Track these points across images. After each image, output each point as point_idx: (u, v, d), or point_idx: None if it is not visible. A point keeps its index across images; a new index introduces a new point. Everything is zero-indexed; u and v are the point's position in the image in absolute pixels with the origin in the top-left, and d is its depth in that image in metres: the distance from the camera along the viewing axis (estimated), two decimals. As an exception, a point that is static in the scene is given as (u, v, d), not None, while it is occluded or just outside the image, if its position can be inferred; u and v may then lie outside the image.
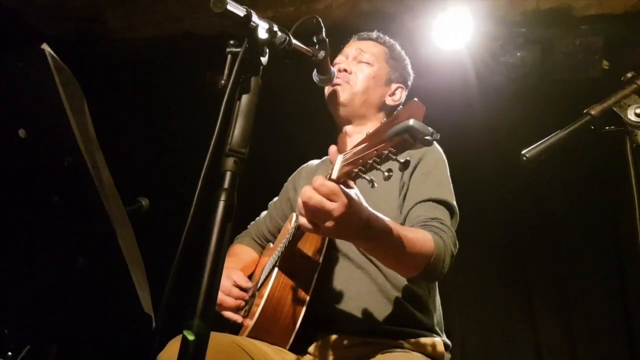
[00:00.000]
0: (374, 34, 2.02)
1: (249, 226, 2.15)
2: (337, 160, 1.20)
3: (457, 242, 1.58)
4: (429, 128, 1.00)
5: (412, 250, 1.37)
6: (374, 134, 1.11)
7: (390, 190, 1.70)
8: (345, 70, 1.87)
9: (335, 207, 1.16)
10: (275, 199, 2.12)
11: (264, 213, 2.14)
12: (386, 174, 1.04)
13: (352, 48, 1.95)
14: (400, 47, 2.03)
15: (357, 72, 1.88)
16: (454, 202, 1.67)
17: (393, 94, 1.94)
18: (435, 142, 1.73)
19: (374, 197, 1.69)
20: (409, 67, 2.03)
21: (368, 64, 1.90)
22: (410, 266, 1.44)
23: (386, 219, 1.35)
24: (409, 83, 2.02)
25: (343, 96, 1.85)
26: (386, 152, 1.03)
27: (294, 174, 2.11)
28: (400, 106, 1.95)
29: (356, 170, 1.09)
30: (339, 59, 1.94)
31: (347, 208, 1.17)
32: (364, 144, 1.12)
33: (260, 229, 2.08)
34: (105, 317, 1.12)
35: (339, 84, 1.84)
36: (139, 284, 1.03)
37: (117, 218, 1.03)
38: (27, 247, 1.13)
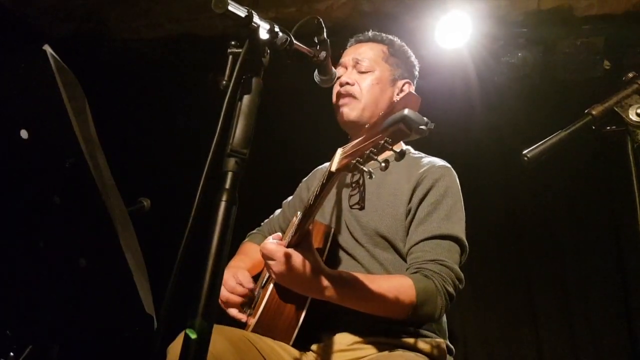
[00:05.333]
0: (370, 34, 1.98)
1: (262, 224, 2.17)
2: (337, 153, 1.21)
3: (461, 278, 1.59)
4: (424, 118, 1.00)
5: (387, 300, 1.46)
6: (371, 126, 1.11)
7: (396, 210, 1.69)
8: (348, 83, 1.84)
9: (273, 264, 1.39)
10: (290, 198, 2.13)
11: (278, 211, 2.15)
12: (383, 164, 1.04)
13: (349, 57, 1.91)
14: (400, 41, 1.99)
15: (359, 81, 1.86)
16: (461, 235, 1.64)
17: (401, 91, 1.92)
18: (450, 167, 1.76)
19: (380, 213, 1.70)
20: (412, 58, 2.00)
21: (368, 72, 1.87)
22: (391, 314, 1.51)
23: (354, 275, 1.46)
24: (416, 73, 2.00)
25: (353, 114, 1.83)
26: (382, 142, 1.03)
27: (308, 175, 2.12)
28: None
29: (354, 161, 1.10)
30: (339, 70, 1.90)
31: (286, 267, 1.37)
32: (362, 136, 1.13)
33: (273, 227, 2.09)
34: (107, 317, 1.12)
35: (345, 104, 1.83)
36: (140, 285, 1.03)
37: (119, 219, 1.03)
38: (29, 248, 1.13)
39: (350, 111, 1.83)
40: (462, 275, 1.60)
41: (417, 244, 1.62)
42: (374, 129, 1.09)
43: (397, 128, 1.01)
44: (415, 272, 1.55)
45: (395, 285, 1.49)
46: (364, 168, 1.08)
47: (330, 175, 1.21)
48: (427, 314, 1.51)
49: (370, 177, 1.07)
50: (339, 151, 1.21)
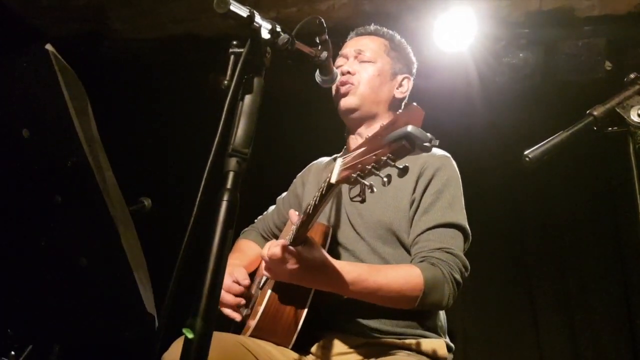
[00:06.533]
0: (372, 27, 1.99)
1: (255, 220, 2.15)
2: (337, 164, 1.20)
3: (467, 266, 1.61)
4: (428, 134, 0.99)
5: (395, 289, 1.48)
6: (372, 137, 1.10)
7: (400, 202, 1.70)
8: (349, 72, 1.84)
9: (280, 263, 1.40)
10: (284, 194, 2.12)
11: (272, 207, 2.14)
12: (385, 179, 1.03)
13: (351, 48, 1.92)
14: (400, 37, 2.00)
15: (360, 71, 1.85)
16: (464, 223, 1.67)
17: (400, 85, 1.92)
18: (450, 156, 1.77)
19: (383, 205, 1.70)
20: (411, 54, 2.01)
21: (370, 62, 1.87)
22: (400, 303, 1.52)
23: (361, 265, 1.50)
24: (414, 70, 2.00)
25: (353, 101, 1.82)
26: (384, 158, 1.02)
27: (303, 171, 2.10)
28: (407, 97, 1.95)
29: (355, 175, 1.09)
30: (340, 60, 1.91)
31: (295, 266, 1.39)
32: (363, 148, 1.11)
33: (267, 223, 2.08)
34: (108, 316, 1.12)
35: (346, 93, 1.83)
36: (141, 284, 1.04)
37: (120, 218, 1.04)
38: (30, 247, 1.13)
39: (350, 100, 1.83)
40: (467, 262, 1.61)
41: (422, 233, 1.63)
42: (374, 141, 1.08)
43: (401, 145, 1.00)
44: (422, 261, 1.56)
45: (402, 274, 1.49)
46: (365, 182, 1.07)
47: (330, 186, 1.20)
48: (434, 302, 1.52)
49: (372, 191, 1.07)
50: (339, 161, 1.19)
